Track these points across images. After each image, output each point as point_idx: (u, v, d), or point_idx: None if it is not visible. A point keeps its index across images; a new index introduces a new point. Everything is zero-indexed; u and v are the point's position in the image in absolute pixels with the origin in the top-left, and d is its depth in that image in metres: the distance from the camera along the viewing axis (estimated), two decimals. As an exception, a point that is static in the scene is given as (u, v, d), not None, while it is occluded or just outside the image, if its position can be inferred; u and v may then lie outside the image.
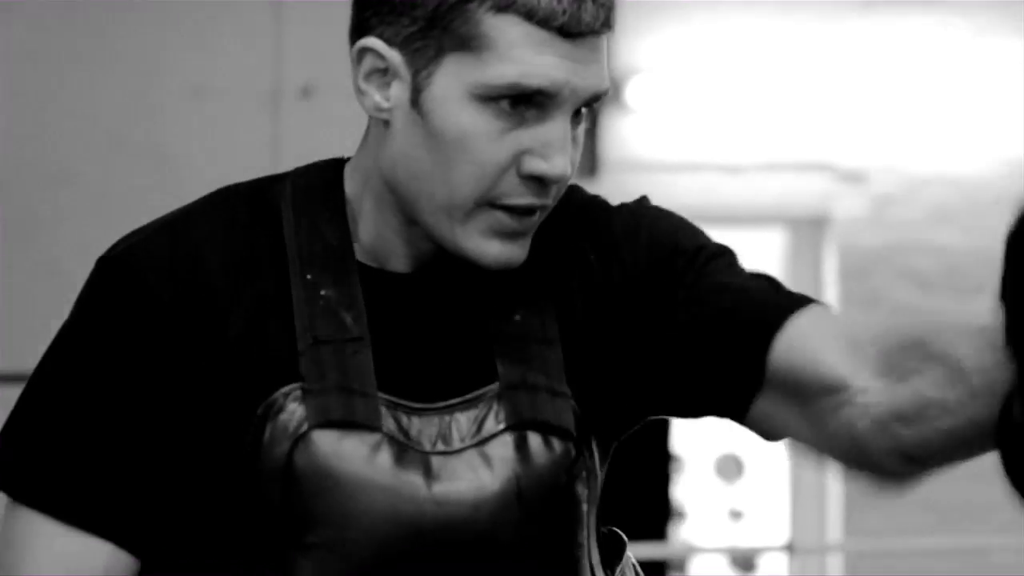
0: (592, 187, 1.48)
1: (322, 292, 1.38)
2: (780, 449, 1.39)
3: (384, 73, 1.37)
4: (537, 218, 1.38)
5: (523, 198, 1.36)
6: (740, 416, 1.38)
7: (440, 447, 1.36)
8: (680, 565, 6.60)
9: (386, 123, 1.38)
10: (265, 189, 1.42)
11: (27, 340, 6.86)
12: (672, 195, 6.11)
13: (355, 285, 1.38)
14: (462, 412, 1.37)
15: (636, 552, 1.51)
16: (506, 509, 1.36)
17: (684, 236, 1.44)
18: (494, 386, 1.39)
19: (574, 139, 1.38)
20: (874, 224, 6.12)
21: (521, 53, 1.33)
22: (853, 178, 6.12)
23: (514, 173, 1.35)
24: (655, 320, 1.40)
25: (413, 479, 1.35)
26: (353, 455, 1.34)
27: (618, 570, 1.47)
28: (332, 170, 1.44)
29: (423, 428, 1.37)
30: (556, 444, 1.38)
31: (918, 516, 6.00)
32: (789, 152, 6.05)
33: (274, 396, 1.34)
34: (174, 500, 1.38)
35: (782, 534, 6.30)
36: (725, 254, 1.43)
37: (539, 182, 1.36)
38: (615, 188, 5.83)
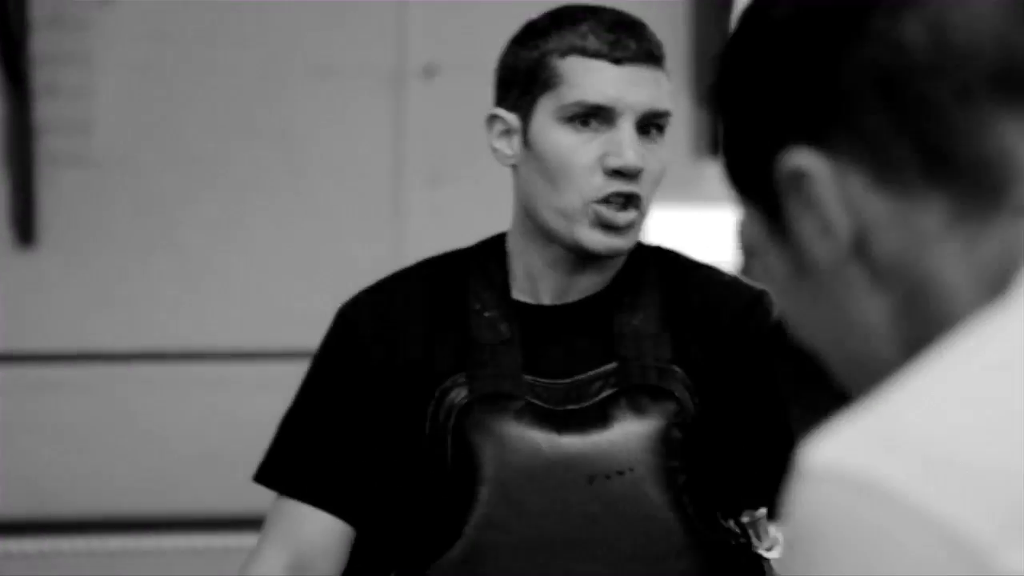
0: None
1: (486, 314, 1.93)
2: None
3: (508, 132, 1.92)
4: (634, 214, 1.87)
5: (612, 187, 1.85)
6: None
7: (571, 407, 1.88)
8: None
9: (515, 167, 1.93)
10: (458, 255, 2.01)
11: (149, 315, 6.96)
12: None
13: (511, 306, 1.94)
14: (589, 383, 1.90)
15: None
16: (617, 448, 1.87)
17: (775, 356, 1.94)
18: (613, 364, 1.91)
19: (651, 152, 1.87)
20: None
21: (583, 79, 1.87)
22: None
23: (601, 174, 1.86)
24: (741, 396, 1.92)
25: (549, 429, 1.88)
26: (503, 416, 1.88)
27: (753, 522, 1.93)
28: (499, 237, 2.00)
29: (557, 395, 1.89)
30: (662, 401, 1.89)
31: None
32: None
33: (446, 383, 1.90)
34: (381, 476, 1.93)
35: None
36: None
37: (621, 175, 1.85)
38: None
